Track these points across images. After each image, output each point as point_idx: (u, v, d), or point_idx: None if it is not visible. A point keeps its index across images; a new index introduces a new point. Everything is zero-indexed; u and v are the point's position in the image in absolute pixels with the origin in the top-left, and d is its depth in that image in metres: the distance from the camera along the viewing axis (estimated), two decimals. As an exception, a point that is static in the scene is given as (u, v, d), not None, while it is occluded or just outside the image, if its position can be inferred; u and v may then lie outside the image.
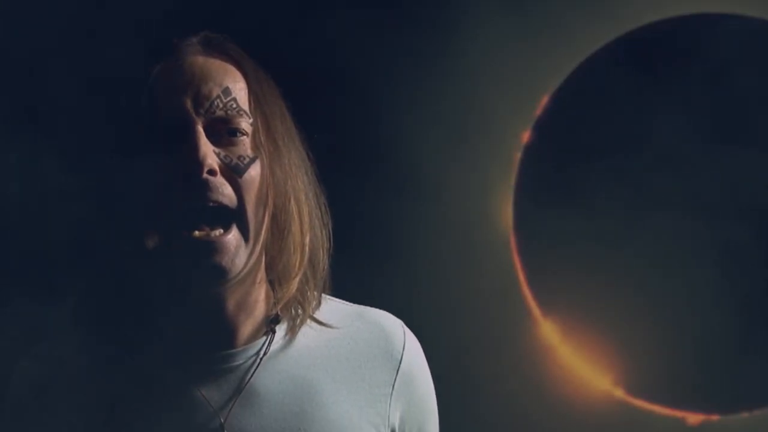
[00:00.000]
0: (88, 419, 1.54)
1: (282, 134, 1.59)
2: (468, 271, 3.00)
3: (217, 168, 1.51)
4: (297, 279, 1.59)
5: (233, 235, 1.51)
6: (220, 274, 1.50)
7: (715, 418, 2.95)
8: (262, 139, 1.56)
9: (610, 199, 2.96)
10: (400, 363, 1.64)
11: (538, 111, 3.01)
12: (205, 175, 1.50)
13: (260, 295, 1.59)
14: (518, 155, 3.02)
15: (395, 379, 1.63)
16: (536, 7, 2.95)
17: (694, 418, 2.95)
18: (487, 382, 2.99)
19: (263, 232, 1.55)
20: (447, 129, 2.98)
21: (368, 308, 1.69)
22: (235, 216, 1.52)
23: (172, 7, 2.67)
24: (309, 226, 1.60)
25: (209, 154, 1.50)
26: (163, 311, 1.55)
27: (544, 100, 3.01)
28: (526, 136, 3.02)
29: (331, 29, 2.96)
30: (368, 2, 2.99)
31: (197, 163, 1.49)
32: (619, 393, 2.98)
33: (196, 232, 1.50)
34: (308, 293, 1.62)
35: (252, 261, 1.54)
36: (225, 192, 1.51)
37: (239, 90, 1.56)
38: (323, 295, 1.65)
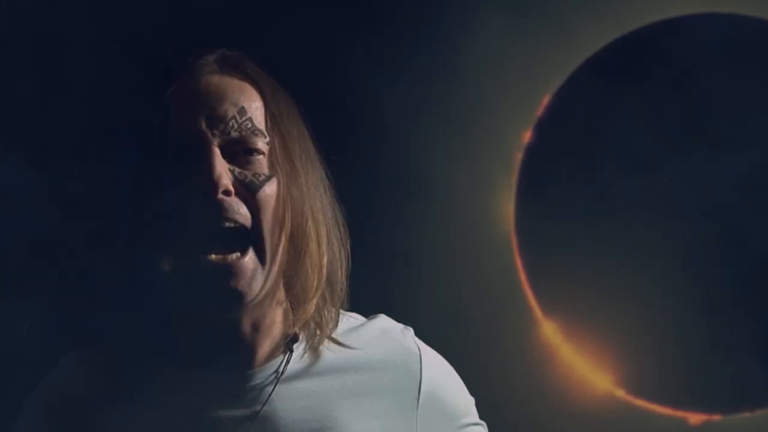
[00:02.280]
0: None
1: (299, 154, 1.57)
2: (469, 271, 3.00)
3: (232, 188, 1.49)
4: (314, 300, 1.57)
5: (250, 258, 1.49)
6: (238, 298, 1.48)
7: (716, 418, 2.95)
8: (279, 158, 1.53)
9: (611, 199, 2.95)
10: (421, 366, 1.62)
11: (539, 111, 3.00)
12: (220, 195, 1.48)
13: (277, 316, 1.57)
14: (519, 155, 3.01)
15: (420, 383, 1.61)
16: (536, 7, 2.94)
17: (695, 418, 2.95)
18: (488, 383, 2.97)
19: (280, 254, 1.53)
20: (448, 129, 2.97)
21: (378, 318, 1.67)
22: (251, 238, 1.50)
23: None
24: (327, 247, 1.58)
25: (224, 174, 1.49)
26: (179, 334, 1.54)
27: (545, 99, 3.00)
28: (526, 136, 3.01)
29: (333, 30, 2.95)
30: (370, 3, 2.99)
31: (212, 183, 1.47)
32: (621, 393, 2.98)
33: (213, 256, 1.48)
34: (326, 313, 1.60)
35: (269, 283, 1.52)
36: (240, 211, 1.49)
37: (255, 109, 1.54)
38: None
